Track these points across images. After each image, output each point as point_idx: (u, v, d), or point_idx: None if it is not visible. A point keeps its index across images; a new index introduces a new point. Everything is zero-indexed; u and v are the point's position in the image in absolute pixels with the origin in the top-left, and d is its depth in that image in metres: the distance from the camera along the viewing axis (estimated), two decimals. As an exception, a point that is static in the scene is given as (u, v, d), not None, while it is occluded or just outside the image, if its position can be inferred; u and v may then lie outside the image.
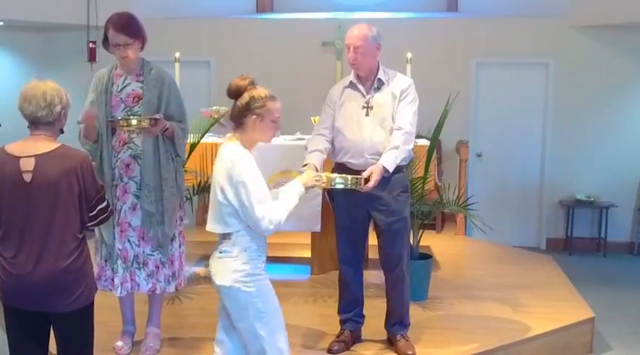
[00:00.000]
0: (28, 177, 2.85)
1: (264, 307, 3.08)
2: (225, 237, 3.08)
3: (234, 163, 2.97)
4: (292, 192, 3.17)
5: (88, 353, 3.09)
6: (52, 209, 2.86)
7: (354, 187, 3.64)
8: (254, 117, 3.05)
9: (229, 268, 3.05)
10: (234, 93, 3.09)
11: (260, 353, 3.09)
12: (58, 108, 2.92)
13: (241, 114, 3.06)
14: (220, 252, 3.09)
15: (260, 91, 3.09)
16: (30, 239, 2.87)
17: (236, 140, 3.07)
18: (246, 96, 3.06)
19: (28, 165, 2.86)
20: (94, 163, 3.80)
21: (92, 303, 3.04)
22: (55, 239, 2.87)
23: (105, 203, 3.03)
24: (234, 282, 3.04)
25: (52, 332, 3.06)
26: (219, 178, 3.03)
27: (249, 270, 3.07)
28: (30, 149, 2.90)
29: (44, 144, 2.91)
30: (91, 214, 2.98)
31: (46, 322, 3.00)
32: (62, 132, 3.01)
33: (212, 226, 3.13)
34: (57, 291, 2.90)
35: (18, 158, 2.87)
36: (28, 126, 2.98)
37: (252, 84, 3.11)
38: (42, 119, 2.91)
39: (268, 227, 3.02)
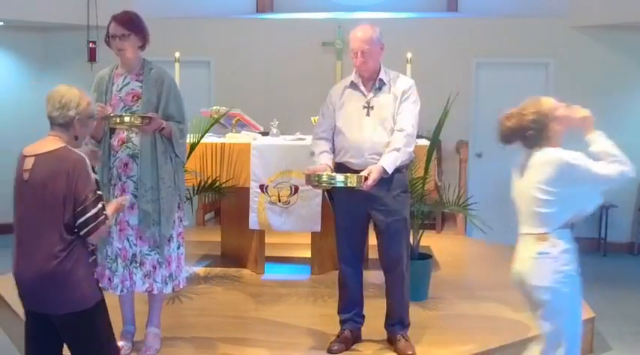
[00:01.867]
0: (26, 176, 2.89)
1: (576, 309, 3.22)
2: (540, 238, 3.15)
3: (561, 159, 3.10)
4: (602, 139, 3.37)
5: None
6: (41, 209, 2.86)
7: (354, 186, 3.65)
8: (554, 126, 3.24)
9: (549, 269, 3.12)
10: (516, 131, 3.36)
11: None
12: (71, 113, 2.92)
13: (541, 134, 3.24)
14: (538, 253, 3.14)
15: (535, 106, 3.28)
16: (25, 238, 2.91)
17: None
18: (529, 117, 3.27)
19: (28, 164, 2.90)
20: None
21: (93, 310, 2.98)
22: (43, 239, 2.87)
23: (95, 210, 2.90)
24: (555, 283, 3.11)
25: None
26: (541, 183, 3.13)
27: (569, 272, 3.14)
28: (36, 148, 2.94)
29: (49, 145, 2.92)
30: (80, 221, 2.89)
31: (45, 323, 2.99)
32: (77, 138, 3.00)
33: (529, 229, 3.20)
34: (45, 292, 2.90)
35: (25, 157, 2.93)
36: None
37: (521, 113, 3.33)
38: (54, 120, 2.94)
39: (628, 173, 3.24)
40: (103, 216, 2.95)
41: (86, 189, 2.88)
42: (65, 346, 3.10)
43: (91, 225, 2.90)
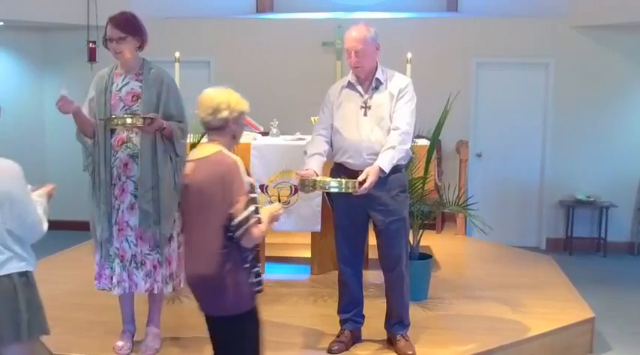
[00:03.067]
0: (187, 181, 2.98)
1: None
2: None
3: None
4: None
5: None
6: (200, 212, 2.92)
7: (348, 191, 3.65)
8: None
9: None
10: None
11: None
12: (224, 114, 2.93)
13: None
14: None
15: None
16: (189, 240, 3.03)
17: None
18: None
19: (188, 168, 2.99)
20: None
21: (242, 317, 2.98)
22: (203, 242, 2.93)
23: (246, 213, 2.87)
24: None
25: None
26: None
27: None
28: (196, 153, 3.01)
29: (207, 149, 2.97)
30: (233, 223, 2.88)
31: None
32: (234, 137, 3.03)
33: None
34: (202, 293, 3.01)
35: (187, 162, 3.03)
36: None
37: None
38: (209, 124, 2.97)
39: None
40: (255, 219, 2.89)
41: (239, 192, 2.88)
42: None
43: (242, 228, 2.87)
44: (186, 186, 2.98)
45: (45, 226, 3.01)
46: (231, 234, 2.88)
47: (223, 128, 2.97)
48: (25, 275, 2.94)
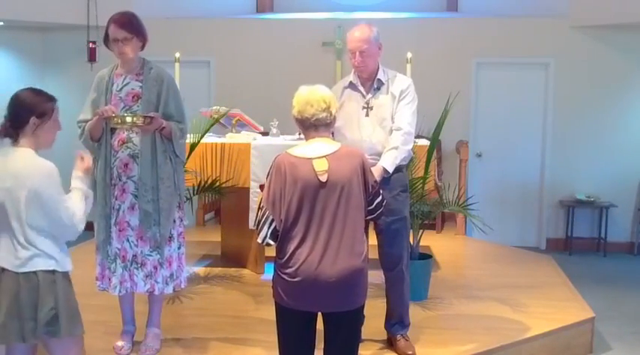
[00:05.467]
0: (323, 177, 2.94)
1: None
2: None
3: None
4: None
5: (357, 351, 3.15)
6: (346, 206, 2.96)
7: None
8: None
9: None
10: None
11: None
12: (333, 111, 3.09)
13: None
14: None
15: None
16: (326, 238, 2.94)
17: None
18: None
19: (321, 165, 2.96)
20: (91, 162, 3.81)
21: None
22: (348, 237, 2.96)
23: (381, 197, 3.13)
24: None
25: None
26: None
27: None
28: (318, 150, 3.00)
29: (328, 146, 3.03)
30: (370, 208, 3.08)
31: (315, 322, 3.08)
32: (333, 134, 3.14)
33: None
34: (355, 287, 2.99)
35: (310, 160, 2.97)
36: (299, 133, 3.22)
37: None
38: (321, 121, 3.05)
39: None
40: (386, 201, 3.19)
41: (373, 179, 3.11)
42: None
43: (378, 212, 3.14)
44: (324, 183, 2.94)
45: (81, 227, 2.93)
46: (368, 216, 3.08)
47: (332, 123, 3.10)
48: (52, 274, 2.89)
